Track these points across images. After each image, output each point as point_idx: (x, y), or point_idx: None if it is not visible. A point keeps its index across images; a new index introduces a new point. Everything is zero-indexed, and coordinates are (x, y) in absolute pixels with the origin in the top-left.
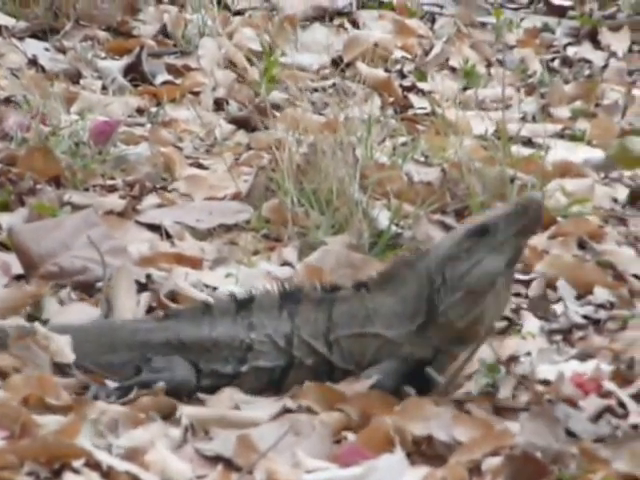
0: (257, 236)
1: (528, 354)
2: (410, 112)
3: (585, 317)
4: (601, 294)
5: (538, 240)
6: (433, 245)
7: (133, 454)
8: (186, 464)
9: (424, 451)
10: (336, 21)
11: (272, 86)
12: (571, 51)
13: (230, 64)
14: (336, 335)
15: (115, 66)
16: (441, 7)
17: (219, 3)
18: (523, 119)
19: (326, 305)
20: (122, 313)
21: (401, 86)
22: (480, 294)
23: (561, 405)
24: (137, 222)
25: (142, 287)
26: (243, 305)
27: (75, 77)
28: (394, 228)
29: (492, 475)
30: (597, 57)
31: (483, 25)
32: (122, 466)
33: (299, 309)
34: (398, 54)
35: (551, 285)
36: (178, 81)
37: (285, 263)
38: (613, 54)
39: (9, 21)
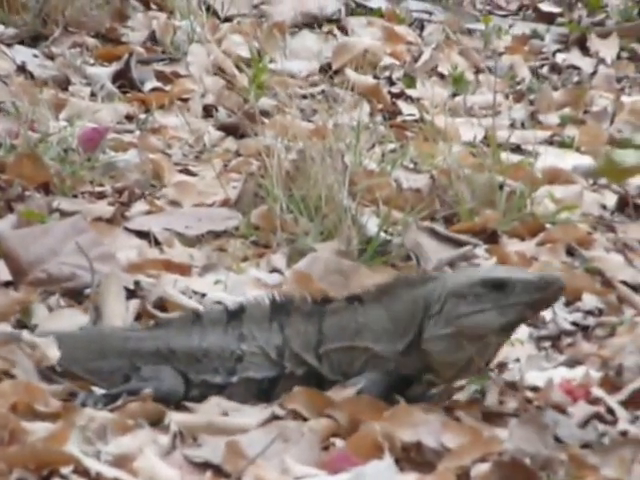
0: (246, 243)
1: (517, 361)
2: (399, 119)
3: (574, 324)
4: (590, 301)
5: (527, 246)
6: (445, 274)
7: (122, 461)
8: (175, 471)
9: (413, 457)
10: (325, 28)
11: (261, 93)
12: (560, 58)
13: (219, 71)
14: (326, 348)
15: (104, 73)
16: (430, 14)
17: (208, 10)
18: (512, 126)
19: (317, 317)
20: (111, 320)
21: (390, 93)
22: (467, 340)
23: (550, 411)
24: (126, 229)
25: (131, 294)
26: (234, 316)
27: (64, 84)
28: (383, 235)
29: None
30: (586, 64)
31: (472, 32)
32: (110, 473)
33: (289, 321)
34: (387, 61)
35: None
36: (167, 88)
37: (274, 270)
38: (602, 61)
39: None
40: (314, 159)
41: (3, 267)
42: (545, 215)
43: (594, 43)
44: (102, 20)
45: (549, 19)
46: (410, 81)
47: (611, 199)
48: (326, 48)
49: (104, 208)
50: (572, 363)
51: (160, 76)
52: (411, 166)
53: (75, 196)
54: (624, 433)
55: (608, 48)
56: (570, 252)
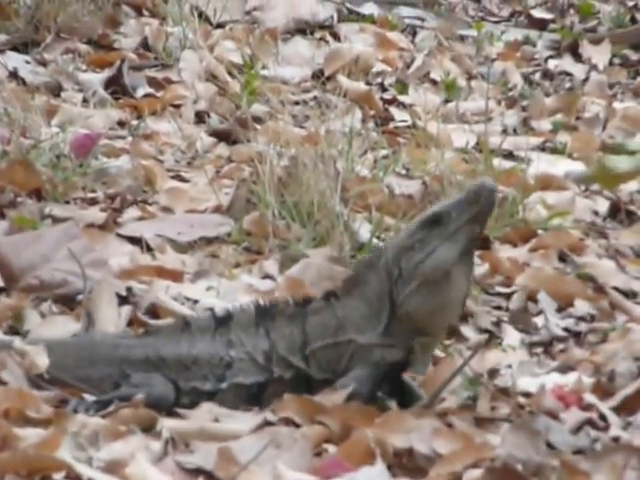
0: (238, 249)
1: (509, 367)
2: (391, 125)
3: (566, 330)
4: (582, 307)
5: (519, 252)
6: (389, 240)
7: (114, 467)
8: (167, 477)
9: (405, 463)
10: (317, 34)
11: (253, 99)
12: (552, 64)
13: (211, 77)
14: (311, 348)
15: (96, 79)
16: (422, 20)
17: (200, 16)
18: (504, 132)
19: (299, 319)
20: (104, 326)
21: (382, 99)
22: (435, 284)
23: (542, 418)
24: (118, 235)
25: (123, 300)
26: (221, 322)
27: (56, 90)
28: (375, 241)
29: None
30: (578, 70)
31: (464, 38)
32: (103, 479)
33: (274, 325)
34: (379, 67)
35: (532, 298)
36: (159, 94)
37: (266, 276)
38: (594, 67)
39: None
40: (306, 165)
41: None
42: (537, 221)
43: (586, 49)
44: (94, 26)
45: (541, 25)
46: (402, 87)
47: (603, 205)
48: (318, 54)
49: (96, 214)
50: (564, 369)
51: (152, 82)
52: (403, 172)
53: (67, 202)
54: (616, 439)
55: (600, 54)
56: (562, 258)
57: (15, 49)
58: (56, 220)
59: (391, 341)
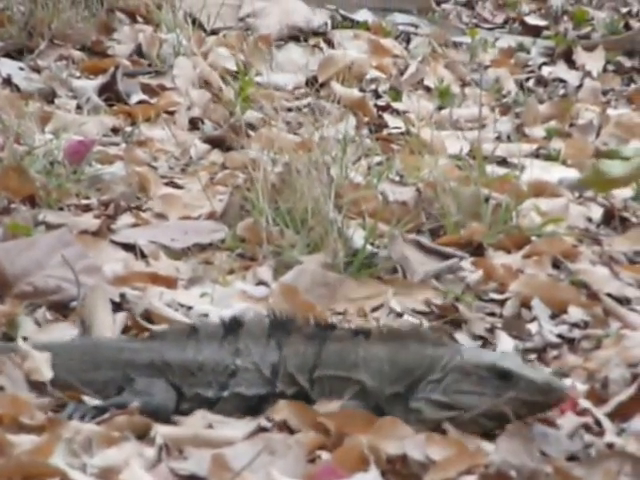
0: (232, 255)
1: None
2: (385, 132)
3: (559, 336)
4: (575, 313)
5: (512, 259)
6: (458, 346)
7: (107, 473)
8: None
9: (399, 470)
10: (311, 41)
11: (247, 106)
12: (546, 71)
13: (205, 84)
14: (321, 373)
15: (90, 85)
16: (416, 27)
17: (194, 23)
18: (498, 139)
19: (318, 341)
20: (100, 333)
21: (376, 106)
22: (456, 413)
23: (536, 424)
24: (112, 241)
25: (117, 306)
26: (230, 330)
27: (50, 96)
28: (369, 247)
29: None
30: (572, 77)
31: (458, 45)
32: None
33: (289, 340)
34: (373, 74)
35: (525, 304)
36: (153, 100)
37: (260, 282)
38: (588, 74)
39: None
40: (300, 172)
41: None
42: (531, 228)
43: (580, 56)
44: (88, 33)
45: (535, 32)
46: (396, 94)
47: (597, 212)
48: (312, 61)
49: (90, 221)
50: (558, 375)
51: (146, 89)
52: (397, 179)
53: (61, 209)
54: (610, 445)
55: (594, 61)
56: (556, 265)
57: (9, 56)
58: (50, 227)
59: (391, 406)
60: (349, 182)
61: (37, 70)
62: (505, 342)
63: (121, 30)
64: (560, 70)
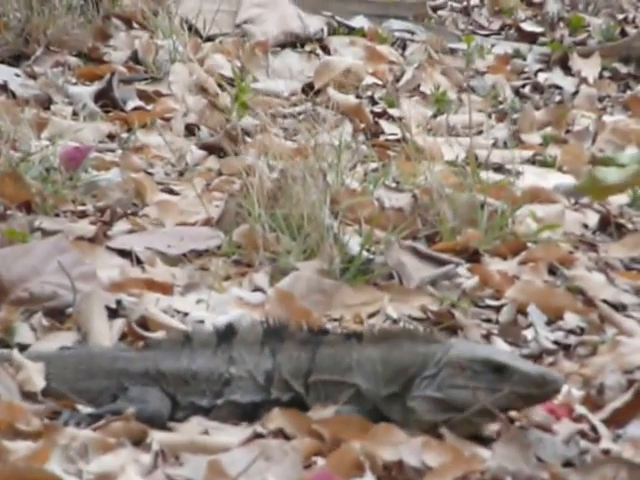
0: (228, 262)
1: None
2: (381, 138)
3: (555, 342)
4: (571, 320)
5: (508, 265)
6: (450, 341)
7: None
8: None
9: (394, 476)
10: (307, 47)
11: (243, 112)
12: (542, 77)
13: (201, 90)
14: (316, 378)
15: (86, 92)
16: (412, 33)
17: (190, 29)
18: (494, 145)
19: (311, 346)
20: (97, 340)
21: (372, 112)
22: (451, 409)
23: (532, 430)
24: (108, 248)
25: (113, 313)
26: (224, 338)
27: (46, 103)
28: (365, 254)
29: None
30: (568, 83)
31: (454, 51)
32: None
33: (282, 347)
34: (369, 80)
35: (521, 311)
36: (149, 107)
37: (256, 288)
38: (584, 80)
39: None
40: (296, 178)
41: None
42: (527, 234)
43: (576, 63)
44: (84, 39)
45: (531, 39)
46: (392, 100)
47: (593, 218)
48: (308, 67)
49: (86, 227)
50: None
51: (142, 95)
52: (393, 185)
53: (57, 215)
54: (606, 451)
55: (590, 67)
56: (552, 271)
57: (5, 62)
58: (46, 233)
59: (388, 407)
60: (345, 188)
61: (33, 76)
62: (501, 348)
63: (117, 36)
64: (556, 76)
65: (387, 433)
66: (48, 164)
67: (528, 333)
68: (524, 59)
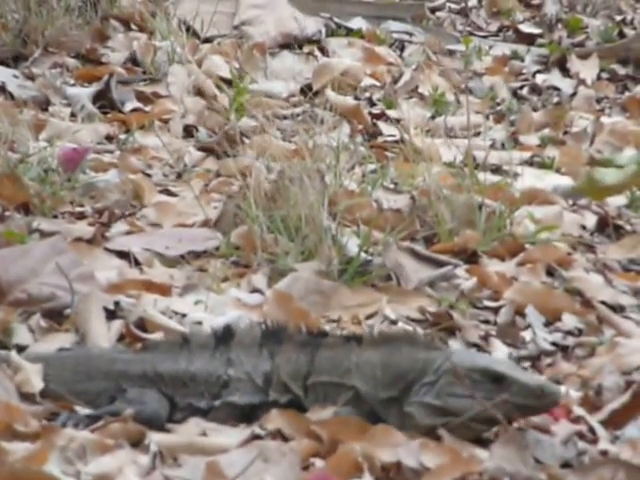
0: (226, 263)
1: None
2: (379, 139)
3: (553, 344)
4: (569, 321)
5: (507, 267)
6: (451, 349)
7: None
8: None
9: (392, 477)
10: (305, 49)
11: (241, 113)
12: (540, 79)
13: (199, 91)
14: (314, 380)
15: (84, 93)
16: (410, 35)
17: (188, 31)
18: (492, 146)
19: (310, 349)
20: (95, 341)
21: (370, 114)
22: (448, 416)
23: (531, 431)
24: (106, 249)
25: (111, 314)
26: (222, 340)
27: (44, 104)
28: (363, 255)
29: None
30: (566, 85)
31: (452, 53)
32: None
33: (281, 349)
34: (367, 81)
35: (519, 312)
36: (147, 108)
37: (254, 290)
38: (582, 82)
39: None
40: (294, 179)
41: None
42: (525, 235)
43: (574, 64)
44: (82, 41)
45: (529, 40)
46: (390, 102)
47: (591, 220)
48: (306, 69)
49: (84, 228)
50: (552, 382)
51: (140, 96)
52: (391, 186)
53: (55, 216)
54: (604, 453)
55: (588, 69)
56: (550, 272)
57: (3, 63)
58: (44, 234)
59: (386, 410)
60: (343, 190)
61: (31, 78)
62: (499, 350)
63: (115, 38)
64: (554, 78)
65: (385, 434)
66: (46, 165)
67: (526, 334)
68: (522, 60)
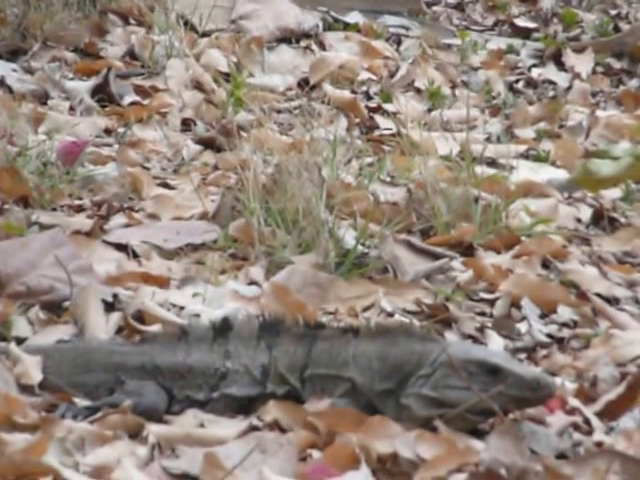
0: (224, 255)
1: None
2: (376, 133)
3: (549, 335)
4: (565, 313)
5: (502, 259)
6: (447, 342)
7: (100, 472)
8: None
9: (389, 468)
10: (302, 42)
11: (239, 107)
12: (535, 72)
13: (197, 85)
14: (312, 372)
15: (83, 87)
16: (407, 29)
17: (186, 25)
18: (488, 140)
19: (307, 341)
20: (94, 333)
21: (367, 107)
22: (444, 408)
23: (526, 422)
24: (104, 242)
25: (109, 306)
26: (220, 333)
27: (43, 98)
28: (360, 247)
29: None
30: (561, 78)
31: (448, 47)
32: None
33: (278, 341)
34: (364, 75)
35: (515, 304)
36: (145, 102)
37: (252, 282)
38: (577, 75)
39: None
40: (291, 173)
41: None
42: (520, 228)
43: (569, 58)
44: (81, 35)
45: (525, 34)
46: (387, 95)
47: (586, 212)
48: (303, 63)
49: (83, 221)
50: (547, 374)
51: (139, 90)
52: (388, 179)
53: (54, 209)
54: (599, 444)
55: (583, 63)
56: (545, 265)
57: (2, 57)
58: (43, 227)
59: (383, 403)
60: (340, 183)
61: (30, 71)
62: (495, 341)
63: (114, 32)
64: (550, 72)
65: (382, 426)
66: (45, 158)
67: (522, 326)
68: (518, 54)
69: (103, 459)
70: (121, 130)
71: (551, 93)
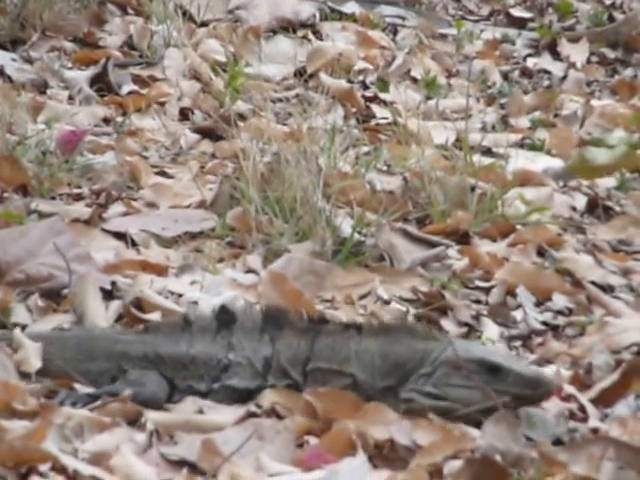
0: (222, 244)
1: None
2: (372, 122)
3: (544, 323)
4: (560, 300)
5: (498, 247)
6: (448, 340)
7: (99, 458)
8: (151, 468)
9: (386, 455)
10: (299, 32)
11: (236, 96)
12: (531, 62)
13: (195, 74)
14: (314, 366)
15: (81, 76)
16: (403, 19)
17: (184, 14)
18: (483, 129)
19: (311, 335)
20: (92, 321)
21: (363, 96)
22: (445, 404)
23: (522, 409)
24: (103, 230)
25: (108, 294)
26: (224, 324)
27: (42, 87)
28: (357, 236)
29: (453, 478)
30: (556, 68)
31: (444, 36)
32: (87, 470)
33: (282, 334)
34: (361, 65)
35: (511, 292)
36: (144, 91)
37: (249, 270)
38: (572, 65)
39: None
40: (289, 161)
41: None
42: (516, 216)
43: (564, 48)
44: (80, 24)
45: (520, 24)
46: (383, 85)
47: (581, 201)
48: (301, 52)
49: (82, 209)
50: (543, 362)
51: (137, 80)
52: (384, 168)
53: (53, 198)
54: (594, 430)
55: (578, 52)
56: (540, 253)
57: (1, 47)
58: (42, 215)
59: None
60: (337, 171)
61: (29, 61)
62: (490, 329)
63: (112, 22)
64: (545, 61)
65: (378, 412)
66: (44, 147)
67: (517, 314)
68: (513, 44)
69: (102, 446)
70: (120, 119)
71: (546, 82)
